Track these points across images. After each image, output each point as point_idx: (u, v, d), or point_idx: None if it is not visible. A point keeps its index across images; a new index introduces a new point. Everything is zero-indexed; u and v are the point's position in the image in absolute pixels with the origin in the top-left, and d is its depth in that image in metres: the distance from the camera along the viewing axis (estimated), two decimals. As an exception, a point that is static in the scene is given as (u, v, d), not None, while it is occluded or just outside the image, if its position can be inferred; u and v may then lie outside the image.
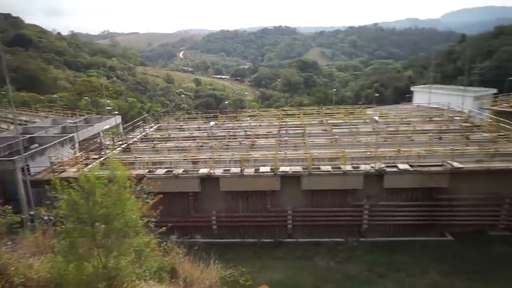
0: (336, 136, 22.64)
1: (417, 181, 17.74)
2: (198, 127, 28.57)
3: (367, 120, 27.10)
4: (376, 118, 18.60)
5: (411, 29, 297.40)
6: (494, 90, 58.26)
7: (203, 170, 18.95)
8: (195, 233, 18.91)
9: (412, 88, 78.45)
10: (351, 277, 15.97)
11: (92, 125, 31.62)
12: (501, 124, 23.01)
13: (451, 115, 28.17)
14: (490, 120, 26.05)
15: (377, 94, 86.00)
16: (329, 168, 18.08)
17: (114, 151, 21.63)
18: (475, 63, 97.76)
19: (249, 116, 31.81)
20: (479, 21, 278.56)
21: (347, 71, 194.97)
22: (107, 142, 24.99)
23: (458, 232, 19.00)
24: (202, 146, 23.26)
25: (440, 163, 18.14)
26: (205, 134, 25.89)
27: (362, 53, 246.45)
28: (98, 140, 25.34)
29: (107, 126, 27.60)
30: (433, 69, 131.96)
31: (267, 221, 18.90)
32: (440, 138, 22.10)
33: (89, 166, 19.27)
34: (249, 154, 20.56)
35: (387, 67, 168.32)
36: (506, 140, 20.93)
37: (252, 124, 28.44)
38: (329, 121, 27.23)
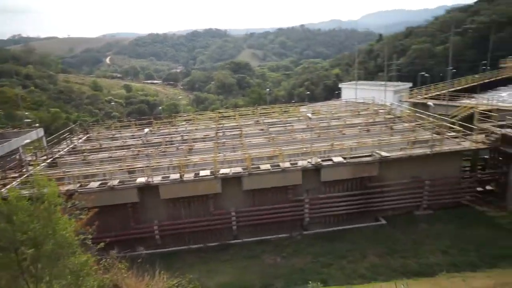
0: (273, 135, 23.18)
1: (350, 172, 18.84)
2: (132, 135, 27.33)
3: (300, 118, 28.11)
4: (309, 115, 19.44)
5: (335, 30, 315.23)
6: (410, 84, 64.16)
7: (141, 179, 18.18)
8: (138, 245, 18.08)
9: (340, 85, 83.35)
10: (297, 270, 16.45)
11: (8, 140, 28.66)
12: (417, 114, 25.42)
13: (376, 108, 30.34)
14: (409, 111, 28.56)
15: (308, 92, 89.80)
16: (268, 166, 18.44)
17: (37, 167, 19.78)
18: (392, 60, 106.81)
19: (185, 120, 31.22)
20: (393, 23, 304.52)
21: (278, 71, 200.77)
22: (29, 158, 22.81)
23: (390, 216, 20.59)
24: (137, 154, 22.29)
25: (370, 154, 19.46)
26: (140, 142, 24.85)
27: (291, 53, 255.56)
28: (18, 157, 23.00)
29: (27, 141, 25.22)
30: (357, 66, 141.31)
31: (212, 225, 18.73)
32: (368, 131, 23.69)
33: (8, 186, 17.39)
34: (188, 159, 20.19)
35: (316, 66, 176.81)
36: (422, 128, 23.10)
37: (188, 128, 27.95)
38: (265, 121, 27.76)
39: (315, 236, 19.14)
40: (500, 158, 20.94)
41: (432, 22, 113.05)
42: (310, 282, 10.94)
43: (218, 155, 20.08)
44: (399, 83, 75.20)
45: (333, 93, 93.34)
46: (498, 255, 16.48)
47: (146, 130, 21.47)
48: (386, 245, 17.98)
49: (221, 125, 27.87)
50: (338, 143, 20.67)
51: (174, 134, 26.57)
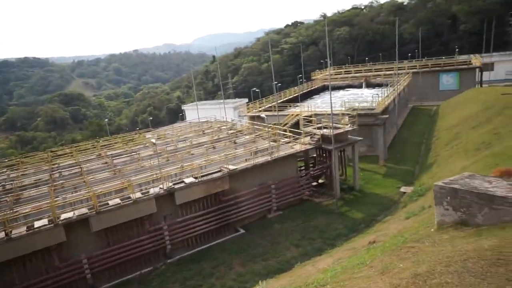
0: (119, 167, 21.72)
1: (204, 190, 19.24)
2: None
3: (147, 144, 27.27)
4: (153, 140, 19.04)
5: (170, 53, 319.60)
6: (246, 99, 70.19)
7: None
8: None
9: (183, 107, 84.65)
10: (166, 302, 15.73)
11: None
12: (255, 126, 28.04)
13: (218, 125, 31.97)
14: (247, 125, 31.16)
15: (150, 118, 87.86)
16: (118, 200, 17.13)
17: None
18: (227, 79, 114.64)
19: (6, 167, 26.17)
20: (222, 44, 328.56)
21: (118, 99, 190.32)
22: None
23: (247, 224, 21.90)
24: None
25: (219, 169, 20.33)
26: None
27: (128, 79, 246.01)
28: None
29: None
30: (196, 87, 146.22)
31: (59, 281, 16.10)
32: (214, 148, 24.71)
33: None
34: (15, 212, 16.93)
35: (156, 91, 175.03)
36: (261, 138, 25.57)
37: (12, 175, 23.53)
38: (108, 153, 25.78)
39: (180, 261, 18.71)
40: (324, 155, 25.00)
41: (255, 43, 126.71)
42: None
43: (55, 199, 17.52)
44: (237, 99, 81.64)
45: (177, 115, 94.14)
46: (334, 236, 19.53)
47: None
48: (248, 252, 19.02)
49: (56, 165, 24.50)
50: (187, 164, 20.86)
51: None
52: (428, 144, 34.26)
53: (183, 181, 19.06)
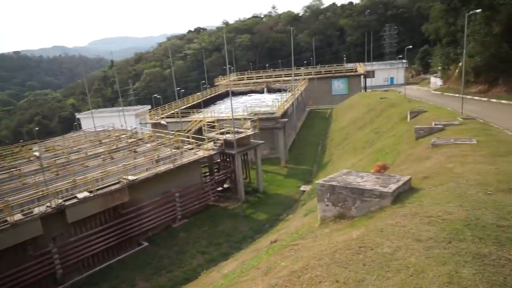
0: (-7, 186, 18.72)
1: (100, 204, 17.72)
2: None
3: (31, 158, 24.11)
4: (37, 153, 16.84)
5: (61, 56, 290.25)
6: (149, 106, 67.42)
7: None
8: None
9: (77, 116, 77.59)
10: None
11: None
12: (157, 134, 27.00)
13: (117, 134, 29.95)
14: (149, 132, 29.85)
15: (37, 128, 78.64)
16: (-9, 226, 14.69)
17: None
18: (128, 85, 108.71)
19: None
20: (121, 49, 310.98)
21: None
22: None
23: (152, 236, 20.84)
24: None
25: (117, 181, 18.97)
26: None
27: (9, 85, 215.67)
28: None
29: None
30: (94, 94, 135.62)
31: None
32: (112, 158, 23.02)
33: None
34: None
35: (45, 98, 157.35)
36: (164, 146, 24.70)
37: None
38: (-21, 171, 22.07)
39: (74, 286, 16.89)
40: (228, 159, 25.23)
41: (157, 48, 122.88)
42: None
43: None
44: (139, 106, 77.90)
45: (71, 125, 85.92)
46: (241, 239, 19.80)
47: None
48: (152, 266, 18.09)
49: None
50: (80, 177, 18.99)
51: None
52: (324, 145, 37.25)
53: (75, 197, 17.26)
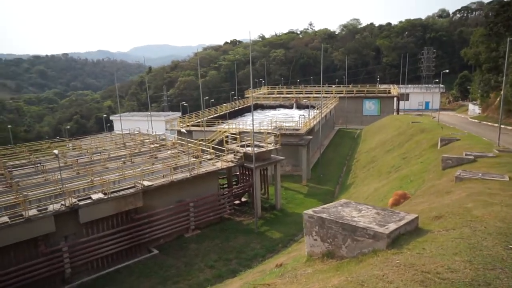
0: (16, 179, 19.26)
1: (113, 207, 17.77)
2: None
3: (59, 155, 24.80)
4: (56, 151, 17.16)
5: (104, 60, 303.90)
6: (179, 113, 68.60)
7: None
8: None
9: (111, 117, 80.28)
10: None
11: None
12: (178, 141, 27.09)
13: (142, 138, 30.39)
14: (172, 139, 30.06)
15: (68, 126, 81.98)
16: (5, 219, 15.00)
17: None
18: (162, 91, 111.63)
19: None
20: (160, 56, 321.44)
21: (40, 104, 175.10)
22: None
23: (163, 244, 20.66)
24: None
25: (133, 185, 19.02)
26: None
27: (55, 84, 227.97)
28: None
29: None
30: (130, 98, 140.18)
31: None
32: (132, 162, 23.25)
33: None
34: None
35: (85, 98, 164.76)
36: (185, 154, 24.69)
37: None
38: (8, 164, 22.92)
39: (81, 287, 16.88)
40: (247, 173, 24.83)
41: (193, 58, 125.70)
42: None
43: None
44: (170, 112, 79.56)
45: (106, 126, 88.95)
46: (251, 256, 19.18)
47: None
48: (159, 275, 17.83)
49: None
50: (98, 178, 19.20)
51: None
52: (349, 166, 36.05)
53: (90, 197, 17.41)
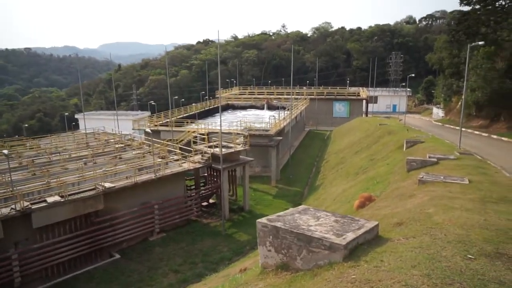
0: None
1: (71, 210, 16.78)
2: None
3: (12, 155, 23.28)
4: (5, 151, 15.93)
5: (72, 57, 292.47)
6: (148, 113, 66.96)
7: None
8: None
9: (76, 116, 77.20)
10: None
11: None
12: (144, 141, 26.17)
13: (107, 138, 29.16)
14: (138, 139, 29.03)
15: (26, 125, 78.21)
16: None
17: None
18: (132, 90, 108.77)
19: None
20: (132, 54, 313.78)
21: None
22: None
23: (126, 248, 19.79)
24: None
25: (93, 187, 18.06)
26: None
27: (16, 80, 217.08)
28: None
29: None
30: (98, 96, 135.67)
31: None
32: (95, 162, 22.17)
33: None
34: None
35: (50, 95, 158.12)
36: (151, 155, 23.83)
37: None
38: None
39: (34, 296, 15.82)
40: (215, 174, 24.32)
41: (164, 56, 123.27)
42: None
43: None
44: (139, 112, 77.51)
45: (71, 124, 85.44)
46: (218, 259, 18.70)
47: None
48: (121, 281, 17.04)
49: None
50: (55, 180, 18.07)
51: None
52: (319, 167, 36.28)
53: (45, 200, 16.33)
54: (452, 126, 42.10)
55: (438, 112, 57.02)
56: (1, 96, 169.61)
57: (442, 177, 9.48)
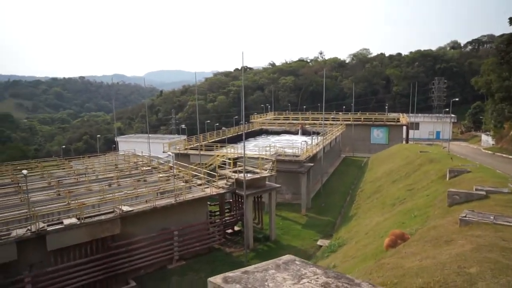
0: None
1: (87, 233, 16.32)
2: None
3: (44, 175, 23.75)
4: (24, 172, 15.96)
5: (119, 84, 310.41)
6: (184, 136, 67.89)
7: None
8: None
9: (116, 139, 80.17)
10: None
11: None
12: (170, 165, 25.79)
13: (135, 160, 29.24)
14: (165, 162, 28.81)
15: (64, 146, 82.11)
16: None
17: None
18: (171, 115, 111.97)
19: None
20: (174, 81, 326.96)
21: (53, 124, 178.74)
22: None
23: (143, 275, 18.97)
24: None
25: (112, 210, 17.62)
26: None
27: (70, 105, 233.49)
28: None
29: None
30: (140, 120, 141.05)
31: None
32: (118, 184, 21.97)
33: None
34: None
35: (97, 119, 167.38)
36: (176, 179, 23.31)
37: None
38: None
39: (44, 322, 15.23)
40: (240, 200, 23.23)
41: (203, 82, 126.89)
42: None
43: None
44: (176, 135, 79.09)
45: (111, 146, 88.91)
46: (236, 294, 17.30)
47: None
48: (133, 312, 16.12)
49: None
50: (74, 201, 17.86)
51: None
52: (353, 195, 34.09)
53: (61, 222, 16.02)
54: (504, 155, 38.40)
55: (487, 139, 52.77)
56: (56, 120, 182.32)
57: (492, 217, 7.66)
